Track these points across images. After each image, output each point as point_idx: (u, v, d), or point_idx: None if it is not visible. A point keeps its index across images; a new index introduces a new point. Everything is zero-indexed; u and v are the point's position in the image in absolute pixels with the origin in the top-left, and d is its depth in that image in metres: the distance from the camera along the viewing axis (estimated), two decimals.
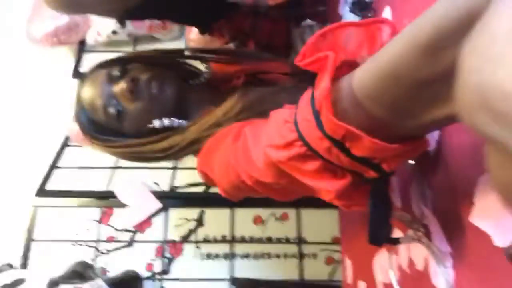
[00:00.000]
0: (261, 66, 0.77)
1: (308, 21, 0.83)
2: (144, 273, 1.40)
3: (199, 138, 0.65)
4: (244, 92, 0.65)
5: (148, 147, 0.68)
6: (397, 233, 0.47)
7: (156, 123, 0.67)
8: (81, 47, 1.83)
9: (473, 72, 0.21)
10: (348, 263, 0.71)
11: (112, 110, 0.66)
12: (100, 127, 0.70)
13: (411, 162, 0.44)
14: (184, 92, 0.70)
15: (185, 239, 1.44)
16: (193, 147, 0.66)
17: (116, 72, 0.67)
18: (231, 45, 0.98)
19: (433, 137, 0.40)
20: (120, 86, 0.65)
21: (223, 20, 0.92)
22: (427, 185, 0.42)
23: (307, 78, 0.47)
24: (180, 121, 0.68)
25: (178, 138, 0.65)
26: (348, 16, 0.71)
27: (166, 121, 0.67)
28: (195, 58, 0.78)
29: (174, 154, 0.69)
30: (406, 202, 0.46)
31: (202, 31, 1.01)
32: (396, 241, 0.41)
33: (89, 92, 0.69)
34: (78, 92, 0.72)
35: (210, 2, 0.77)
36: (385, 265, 0.50)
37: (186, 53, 0.76)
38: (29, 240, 1.47)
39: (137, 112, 0.66)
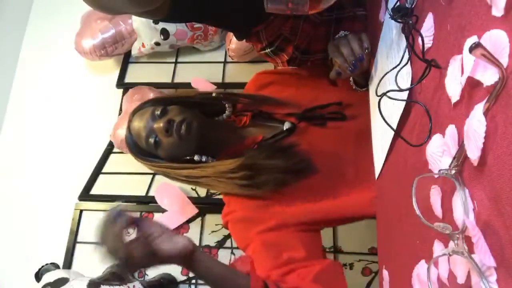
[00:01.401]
0: (267, 108, 0.95)
1: (342, 33, 0.83)
2: (179, 277, 1.43)
3: (210, 183, 0.90)
4: (249, 156, 0.84)
5: (175, 171, 0.90)
6: (438, 245, 0.46)
7: (196, 157, 0.88)
8: (126, 58, 1.91)
9: None
10: (386, 274, 0.69)
11: (151, 140, 0.86)
12: (142, 150, 0.90)
13: (453, 170, 0.43)
14: (208, 129, 0.90)
15: (220, 245, 1.45)
16: (206, 186, 1.01)
17: (158, 111, 0.86)
18: (268, 51, 0.99)
19: (476, 145, 0.39)
20: (159, 124, 0.84)
21: (262, 25, 0.93)
22: (470, 195, 0.40)
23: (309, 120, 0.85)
24: (204, 158, 0.89)
25: (196, 172, 0.87)
26: (389, 23, 0.70)
27: (196, 157, 0.88)
28: (222, 99, 0.97)
29: (193, 183, 0.97)
30: (447, 213, 0.45)
31: (239, 37, 1.03)
32: None
33: (137, 124, 0.89)
34: (129, 120, 0.92)
35: (250, 6, 0.79)
36: (424, 277, 0.49)
37: (214, 95, 0.97)
38: (74, 241, 1.54)
39: (169, 145, 0.86)
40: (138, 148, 0.90)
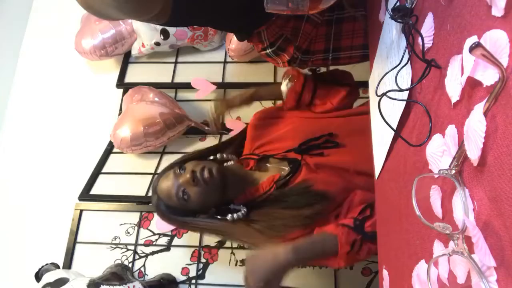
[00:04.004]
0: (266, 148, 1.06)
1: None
2: (179, 277, 1.43)
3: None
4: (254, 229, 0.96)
5: (207, 229, 1.03)
6: (438, 245, 0.46)
7: (229, 217, 0.98)
8: (126, 58, 1.91)
9: None
10: (386, 274, 0.69)
11: (180, 194, 0.95)
12: (175, 210, 0.98)
13: (453, 170, 0.43)
14: (223, 173, 0.99)
15: (220, 245, 1.45)
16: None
17: (177, 170, 0.97)
18: (269, 51, 0.99)
19: (476, 145, 0.39)
20: (184, 178, 0.95)
21: (264, 25, 0.93)
22: (470, 195, 0.40)
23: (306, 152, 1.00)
24: (236, 215, 0.98)
25: (223, 230, 1.00)
26: (389, 23, 0.70)
27: (229, 217, 0.97)
28: (223, 150, 1.10)
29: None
30: (447, 213, 0.45)
31: (240, 38, 1.03)
32: None
33: (164, 185, 0.98)
34: (154, 188, 1.02)
35: (252, 9, 0.80)
36: (424, 277, 0.49)
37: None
38: (74, 241, 1.54)
39: (198, 193, 0.95)
40: (171, 209, 0.99)
